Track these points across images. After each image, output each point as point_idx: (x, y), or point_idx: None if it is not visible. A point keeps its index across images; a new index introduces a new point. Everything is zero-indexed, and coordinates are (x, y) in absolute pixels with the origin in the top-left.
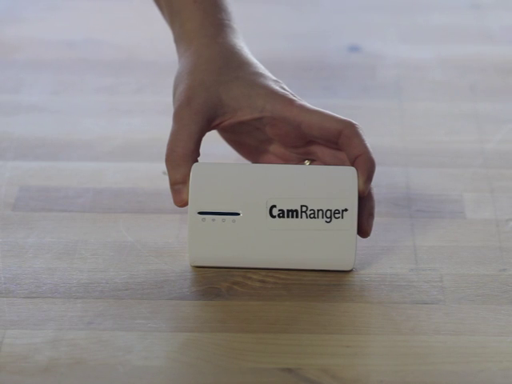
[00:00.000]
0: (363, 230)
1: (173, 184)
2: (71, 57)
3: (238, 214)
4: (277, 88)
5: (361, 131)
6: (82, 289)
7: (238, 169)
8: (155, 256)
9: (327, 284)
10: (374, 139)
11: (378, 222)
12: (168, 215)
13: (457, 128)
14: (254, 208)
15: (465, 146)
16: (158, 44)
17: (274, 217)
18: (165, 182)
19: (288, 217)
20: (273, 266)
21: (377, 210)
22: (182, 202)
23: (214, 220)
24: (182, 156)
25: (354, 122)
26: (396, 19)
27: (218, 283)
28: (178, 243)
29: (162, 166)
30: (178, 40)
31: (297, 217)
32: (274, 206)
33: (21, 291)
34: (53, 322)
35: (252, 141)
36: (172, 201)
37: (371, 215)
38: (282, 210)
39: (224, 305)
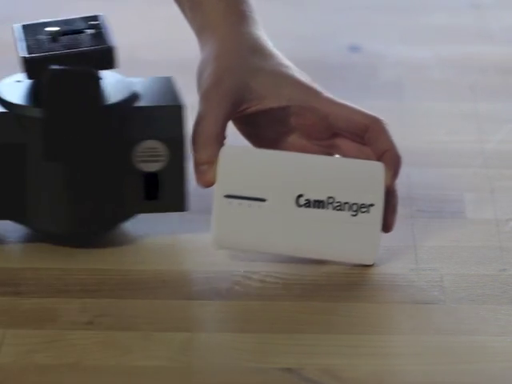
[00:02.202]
0: (387, 224)
1: (198, 164)
2: None
3: (265, 201)
4: (303, 79)
5: (387, 127)
6: (82, 288)
7: (268, 155)
8: (155, 256)
9: (327, 284)
10: None
11: None
12: (168, 214)
13: (457, 128)
14: (280, 195)
15: (465, 145)
16: (158, 44)
17: (300, 206)
18: None
19: (314, 207)
20: (295, 254)
21: None
22: (207, 183)
23: (240, 204)
24: (209, 137)
25: (380, 117)
26: (396, 19)
27: (218, 283)
28: (178, 243)
29: None
30: (201, 30)
31: (323, 208)
32: (301, 196)
33: (21, 291)
34: (53, 322)
35: (271, 133)
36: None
37: (395, 211)
38: (309, 200)
39: (224, 305)
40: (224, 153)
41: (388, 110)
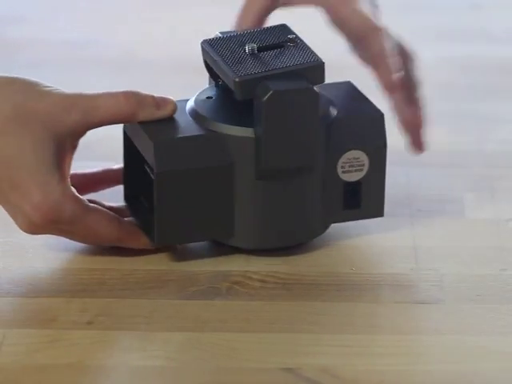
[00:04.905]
0: None
1: None
2: (71, 57)
3: None
4: None
5: None
6: (82, 288)
7: None
8: (155, 256)
9: (327, 284)
10: None
11: (378, 221)
12: None
13: (457, 128)
14: None
15: (465, 146)
16: (157, 44)
17: None
18: None
19: None
20: None
21: None
22: None
23: None
24: None
25: None
26: (396, 19)
27: (218, 283)
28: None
29: None
30: None
31: None
32: None
33: (21, 291)
34: (53, 322)
35: None
36: None
37: None
38: None
39: (224, 305)
40: None
41: (388, 110)
